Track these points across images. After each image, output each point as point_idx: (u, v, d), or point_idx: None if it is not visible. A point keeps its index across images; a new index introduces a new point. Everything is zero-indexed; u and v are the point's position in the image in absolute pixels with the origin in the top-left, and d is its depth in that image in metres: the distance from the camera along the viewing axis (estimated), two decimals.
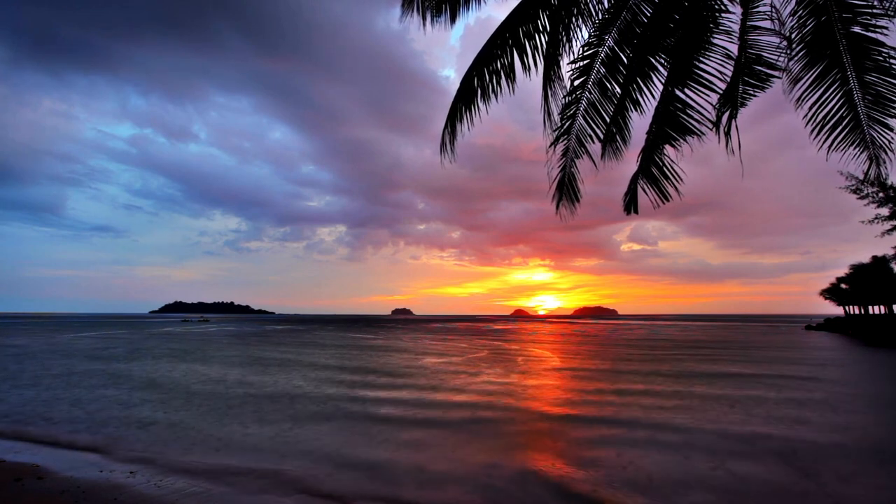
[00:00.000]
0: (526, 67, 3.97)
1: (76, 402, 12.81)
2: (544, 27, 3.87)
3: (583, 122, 4.35)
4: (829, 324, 61.11)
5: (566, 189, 4.51)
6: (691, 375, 18.10)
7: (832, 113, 3.66)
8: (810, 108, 3.70)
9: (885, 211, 28.74)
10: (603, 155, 4.39)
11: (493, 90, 4.09)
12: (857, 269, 53.80)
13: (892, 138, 3.58)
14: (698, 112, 3.91)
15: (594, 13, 3.98)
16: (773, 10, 3.60)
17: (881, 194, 27.83)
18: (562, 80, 4.03)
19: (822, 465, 7.55)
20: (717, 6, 3.70)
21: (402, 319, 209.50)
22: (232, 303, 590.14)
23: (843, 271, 58.07)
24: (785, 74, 3.71)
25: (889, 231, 29.07)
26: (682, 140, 4.02)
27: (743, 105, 3.85)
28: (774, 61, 3.71)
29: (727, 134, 3.83)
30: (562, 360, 25.30)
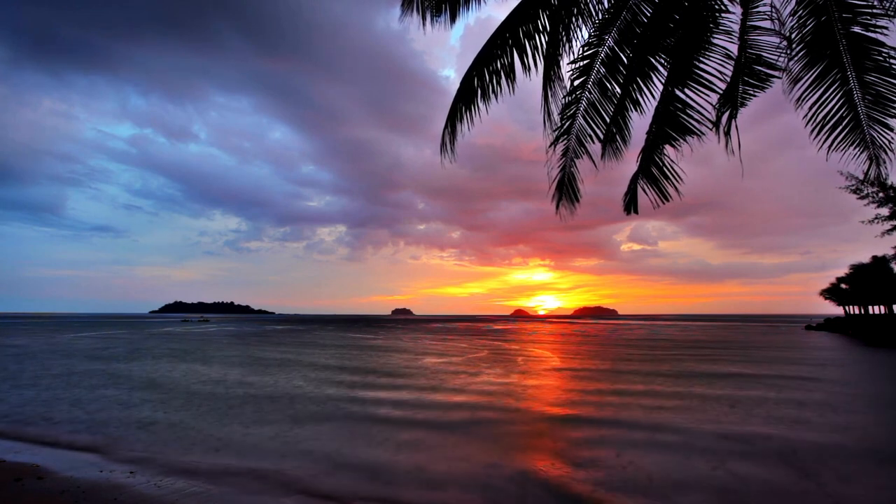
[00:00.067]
0: (526, 67, 3.97)
1: (76, 402, 12.81)
2: (544, 27, 3.87)
3: (583, 122, 4.35)
4: (829, 324, 61.11)
5: (566, 189, 4.51)
6: (691, 376, 18.09)
7: (832, 113, 3.66)
8: (810, 108, 3.70)
9: (885, 211, 28.77)
10: (603, 155, 4.39)
11: (493, 90, 4.09)
12: (857, 269, 53.80)
13: (892, 138, 3.58)
14: (698, 112, 3.91)
15: (594, 13, 3.98)
16: (773, 10, 3.60)
17: (881, 194, 27.83)
18: (562, 80, 4.03)
19: (822, 465, 7.55)
20: (717, 6, 3.70)
21: (402, 319, 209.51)
22: (232, 303, 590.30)
23: (843, 271, 58.17)
24: (785, 74, 3.71)
25: (889, 231, 29.09)
26: (682, 140, 4.02)
27: (743, 105, 3.85)
28: (774, 61, 3.71)
29: (727, 134, 3.83)
30: (562, 360, 25.29)
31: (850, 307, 64.76)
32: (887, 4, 3.24)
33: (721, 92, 3.84)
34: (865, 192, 27.76)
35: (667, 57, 3.92)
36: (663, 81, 3.96)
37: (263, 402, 12.80)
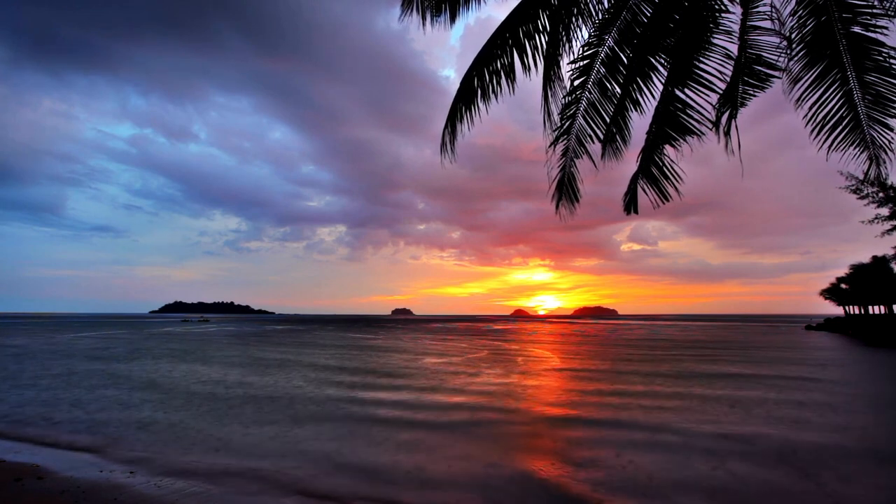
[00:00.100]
0: (526, 67, 3.97)
1: (76, 402, 12.81)
2: (544, 27, 3.87)
3: (583, 122, 4.34)
4: (829, 324, 61.13)
5: (566, 189, 4.50)
6: (691, 376, 18.09)
7: (832, 113, 3.66)
8: (810, 108, 3.69)
9: (885, 211, 28.77)
10: (603, 155, 4.39)
11: (493, 90, 4.09)
12: (857, 269, 53.82)
13: (892, 138, 3.58)
14: (698, 112, 3.91)
15: (594, 13, 3.98)
16: (773, 10, 3.60)
17: (881, 194, 27.84)
18: (562, 80, 4.03)
19: (822, 465, 7.55)
20: (717, 6, 3.70)
21: (402, 319, 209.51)
22: (232, 303, 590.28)
23: (843, 271, 58.19)
24: (785, 74, 3.71)
25: (889, 231, 29.10)
26: (682, 140, 4.02)
27: (743, 105, 3.85)
28: (774, 61, 3.71)
29: (727, 134, 3.83)
30: (561, 360, 25.29)
31: (850, 307, 64.78)
32: (887, 4, 3.24)
33: (721, 92, 3.84)
34: (865, 192, 27.79)
35: (667, 57, 3.92)
36: (663, 81, 3.96)
37: (263, 402, 12.80)
